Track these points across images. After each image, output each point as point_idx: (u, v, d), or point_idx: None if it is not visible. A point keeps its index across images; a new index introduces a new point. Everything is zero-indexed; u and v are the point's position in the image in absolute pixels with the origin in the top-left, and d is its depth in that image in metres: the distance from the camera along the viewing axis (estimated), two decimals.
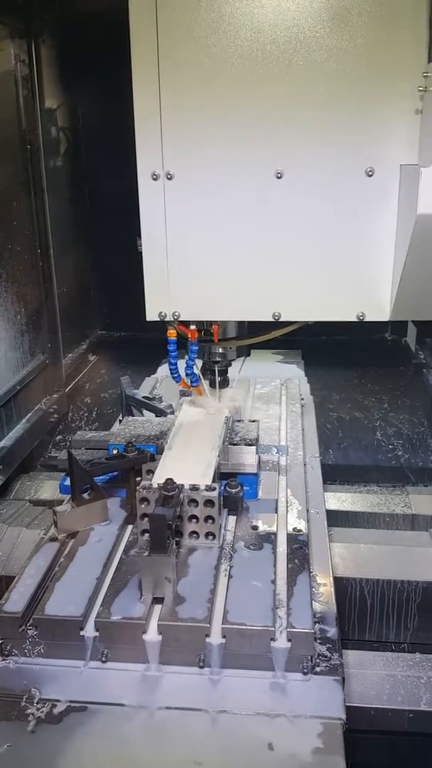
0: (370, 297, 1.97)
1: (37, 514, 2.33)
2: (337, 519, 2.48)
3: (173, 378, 2.19)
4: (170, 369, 2.15)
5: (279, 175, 1.87)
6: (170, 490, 1.62)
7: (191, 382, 2.19)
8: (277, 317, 2.02)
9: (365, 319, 1.99)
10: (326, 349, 3.65)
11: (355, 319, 1.99)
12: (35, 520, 2.27)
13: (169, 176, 1.90)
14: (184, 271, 1.99)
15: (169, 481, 1.64)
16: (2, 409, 2.66)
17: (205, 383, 2.28)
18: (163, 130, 1.86)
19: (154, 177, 1.90)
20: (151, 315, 2.04)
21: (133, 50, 1.81)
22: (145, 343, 3.27)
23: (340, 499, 2.60)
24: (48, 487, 2.73)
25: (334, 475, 2.75)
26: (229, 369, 2.31)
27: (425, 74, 1.70)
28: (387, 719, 1.68)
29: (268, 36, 1.78)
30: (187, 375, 2.17)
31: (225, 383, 2.29)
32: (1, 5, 2.58)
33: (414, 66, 1.74)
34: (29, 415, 2.94)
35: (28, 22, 2.79)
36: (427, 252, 1.77)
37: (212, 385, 2.29)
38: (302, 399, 2.72)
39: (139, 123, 1.87)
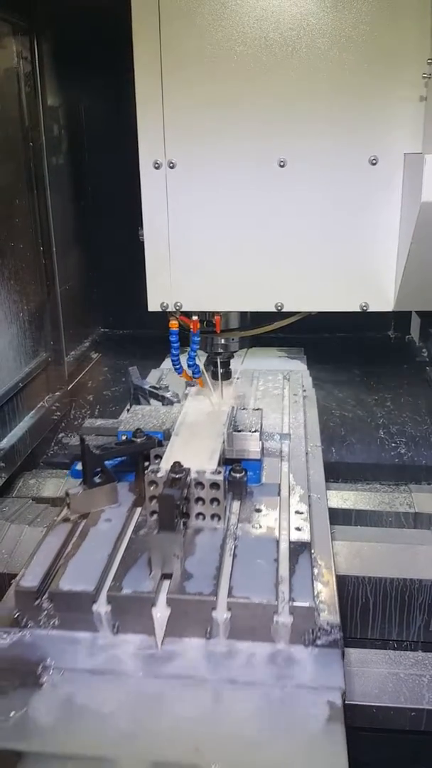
0: (374, 287, 1.96)
1: (39, 511, 2.33)
2: (339, 517, 2.46)
3: (175, 369, 2.18)
4: (172, 360, 2.13)
5: (282, 164, 1.86)
6: (177, 473, 1.68)
7: (193, 373, 2.18)
8: (279, 308, 2.00)
9: (369, 310, 1.97)
10: (329, 347, 3.64)
11: (359, 309, 1.98)
12: (38, 517, 2.27)
13: (171, 165, 1.89)
14: (186, 261, 1.98)
15: (177, 464, 1.71)
16: (5, 407, 2.65)
17: (207, 375, 2.26)
18: (165, 119, 1.85)
19: (156, 166, 1.89)
20: (153, 305, 2.03)
21: (135, 38, 1.80)
22: (147, 340, 3.27)
23: (343, 498, 2.59)
24: (50, 485, 2.73)
25: (336, 473, 2.74)
26: (232, 361, 2.31)
27: (430, 61, 1.69)
28: (389, 717, 1.67)
29: (271, 23, 1.78)
30: (189, 366, 2.15)
31: (227, 375, 2.27)
32: (3, 2, 2.59)
33: (418, 53, 1.73)
34: (32, 412, 2.94)
35: (30, 18, 2.80)
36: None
37: (214, 377, 2.27)
38: (304, 391, 2.75)
39: (141, 111, 1.86)
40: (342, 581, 1.83)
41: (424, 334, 3.67)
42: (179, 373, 2.21)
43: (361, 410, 3.16)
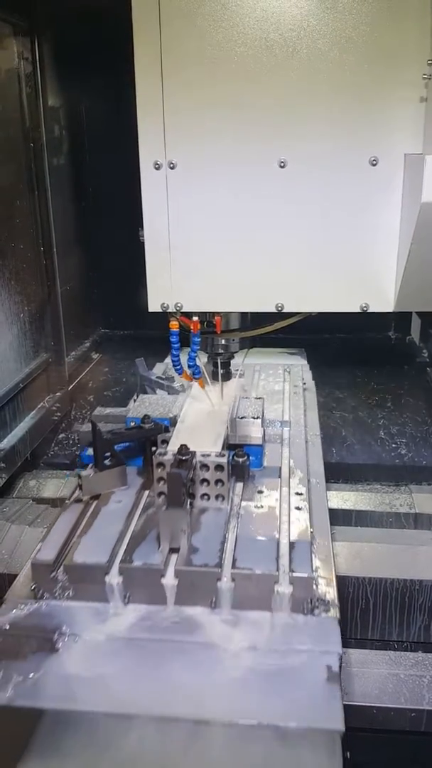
0: (374, 288, 1.96)
1: (40, 512, 2.33)
2: (340, 518, 2.46)
3: (175, 370, 2.18)
4: (172, 361, 2.13)
5: (282, 165, 1.86)
6: (184, 455, 1.80)
7: (193, 374, 2.18)
8: (280, 308, 2.00)
9: (369, 310, 1.97)
10: (329, 348, 3.64)
11: (359, 310, 1.98)
12: (38, 518, 2.27)
13: (171, 166, 1.89)
14: (187, 262, 1.98)
15: (183, 447, 1.82)
16: (5, 408, 2.65)
17: (207, 376, 2.26)
18: (165, 120, 1.85)
19: (157, 166, 1.89)
20: (154, 306, 2.03)
21: (136, 38, 1.81)
22: (148, 341, 3.26)
23: (343, 498, 2.58)
24: (51, 485, 2.72)
25: (337, 474, 2.73)
26: (232, 361, 2.33)
27: (430, 62, 1.69)
28: (389, 718, 1.67)
29: (271, 24, 1.78)
30: (189, 367, 2.15)
31: (227, 376, 2.28)
32: (4, 2, 2.59)
33: (418, 54, 1.74)
34: (32, 413, 2.93)
35: (31, 19, 2.80)
36: None
37: (215, 377, 2.28)
38: (304, 384, 2.84)
39: (141, 112, 1.86)
40: (342, 582, 1.83)
41: (425, 334, 3.67)
42: (179, 374, 2.21)
43: (362, 411, 3.16)
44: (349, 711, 1.50)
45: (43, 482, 2.73)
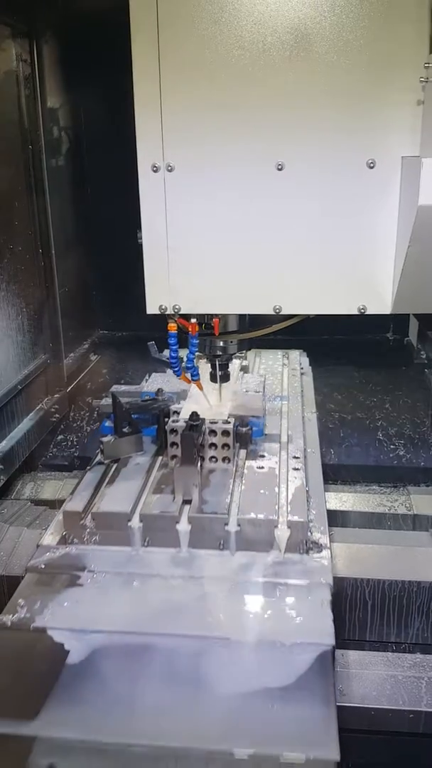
0: (372, 290, 1.96)
1: (38, 513, 2.33)
2: (338, 519, 2.47)
3: (174, 372, 2.18)
4: (171, 363, 2.13)
5: (280, 167, 1.86)
6: (195, 421, 2.03)
7: (192, 376, 2.18)
8: (277, 310, 2.00)
9: (366, 312, 1.97)
10: (328, 349, 3.64)
11: (357, 312, 1.98)
12: (36, 519, 2.27)
13: (169, 168, 1.89)
14: (185, 264, 1.98)
15: (194, 414, 2.06)
16: (4, 409, 2.65)
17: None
18: (163, 122, 1.85)
19: (155, 169, 1.89)
20: (152, 308, 2.03)
21: (134, 41, 1.80)
22: (147, 342, 3.26)
23: (342, 499, 2.59)
24: (49, 487, 2.73)
25: (335, 475, 2.74)
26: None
27: (427, 65, 1.69)
28: (387, 720, 1.67)
29: (269, 28, 1.78)
30: (187, 369, 2.16)
31: (226, 378, 2.28)
32: (3, 5, 2.59)
33: (416, 57, 1.73)
34: (31, 414, 2.93)
35: (30, 21, 2.80)
36: (429, 244, 1.76)
37: (213, 379, 2.30)
38: (302, 368, 3.08)
39: (139, 115, 1.86)
40: (340, 583, 1.84)
41: (422, 336, 3.67)
42: (178, 376, 2.21)
43: (360, 412, 3.17)
44: (348, 712, 1.51)
45: (42, 484, 2.74)
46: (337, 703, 1.44)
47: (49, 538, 1.95)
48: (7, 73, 2.73)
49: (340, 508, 2.53)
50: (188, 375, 2.19)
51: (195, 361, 2.16)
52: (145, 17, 1.79)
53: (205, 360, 2.32)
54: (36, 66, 2.87)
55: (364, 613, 1.90)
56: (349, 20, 1.76)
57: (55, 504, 2.45)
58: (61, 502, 2.20)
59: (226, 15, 1.78)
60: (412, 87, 1.75)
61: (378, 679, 1.73)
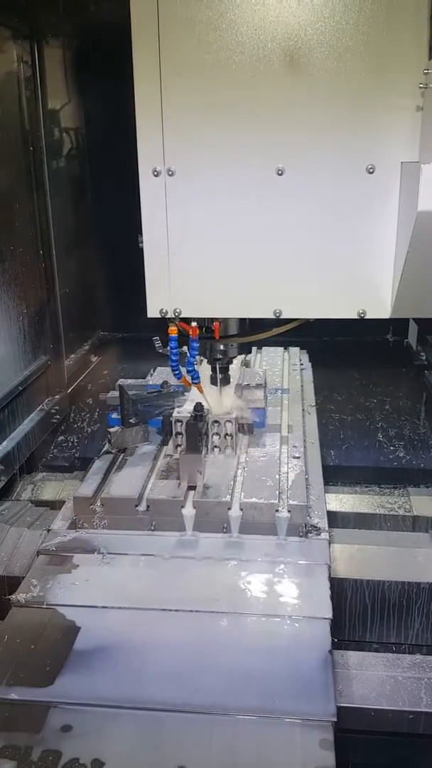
0: (371, 294, 1.96)
1: (39, 514, 2.34)
2: (338, 520, 2.47)
3: (174, 375, 2.19)
4: (171, 366, 2.14)
5: (280, 172, 1.87)
6: (199, 411, 2.12)
7: (192, 379, 2.19)
8: (278, 314, 2.01)
9: (366, 317, 1.98)
10: (328, 351, 3.65)
11: (356, 317, 1.98)
12: (37, 520, 2.28)
13: (170, 172, 1.89)
14: (185, 268, 1.98)
15: (198, 405, 2.15)
16: (4, 410, 2.66)
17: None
18: (164, 126, 1.85)
19: (156, 173, 1.90)
20: (152, 312, 2.04)
21: (135, 45, 1.81)
22: (147, 344, 3.26)
23: (342, 501, 2.59)
24: (50, 488, 2.74)
25: (335, 477, 2.74)
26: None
27: (426, 71, 1.69)
28: (387, 720, 1.67)
29: (269, 33, 1.78)
30: (188, 372, 2.16)
31: (226, 381, 2.29)
32: (4, 6, 2.59)
33: (415, 63, 1.73)
34: (31, 415, 2.94)
35: (31, 23, 2.81)
36: (428, 249, 1.77)
37: (213, 382, 2.30)
38: (302, 364, 3.13)
39: (140, 119, 1.86)
40: (340, 584, 1.85)
41: (422, 338, 3.68)
42: (178, 379, 2.22)
43: (360, 413, 3.17)
44: (347, 713, 1.51)
45: (42, 485, 2.75)
46: (337, 704, 1.44)
47: (59, 523, 2.03)
48: (8, 75, 2.73)
49: (340, 509, 2.54)
50: (189, 378, 2.20)
51: (195, 364, 2.16)
52: (145, 23, 1.79)
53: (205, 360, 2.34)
54: (37, 67, 2.88)
55: (364, 614, 1.91)
56: (349, 26, 1.76)
57: (55, 505, 2.46)
58: (61, 503, 2.21)
59: (226, 21, 1.79)
60: (411, 93, 1.76)
61: (378, 679, 1.73)
